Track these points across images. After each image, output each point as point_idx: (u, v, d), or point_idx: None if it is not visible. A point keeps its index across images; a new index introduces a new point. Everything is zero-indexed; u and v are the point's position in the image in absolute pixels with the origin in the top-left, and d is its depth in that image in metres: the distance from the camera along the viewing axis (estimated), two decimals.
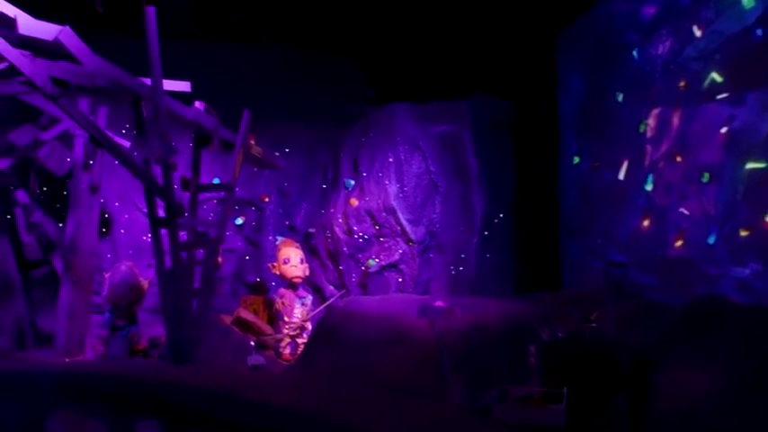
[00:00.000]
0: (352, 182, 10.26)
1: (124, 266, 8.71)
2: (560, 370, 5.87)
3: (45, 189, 9.95)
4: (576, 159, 9.13)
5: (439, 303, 7.40)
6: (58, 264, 9.36)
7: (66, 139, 9.38)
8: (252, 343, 8.23)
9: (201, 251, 8.52)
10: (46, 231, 9.99)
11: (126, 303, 8.57)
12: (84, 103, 9.07)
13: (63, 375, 7.41)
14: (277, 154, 10.19)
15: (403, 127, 10.03)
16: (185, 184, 8.19)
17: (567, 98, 9.62)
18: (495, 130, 10.23)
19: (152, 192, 7.88)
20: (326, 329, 7.49)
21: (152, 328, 8.96)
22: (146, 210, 8.33)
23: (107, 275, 8.71)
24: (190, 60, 9.78)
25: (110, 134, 9.09)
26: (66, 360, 8.13)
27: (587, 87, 9.05)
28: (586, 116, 9.01)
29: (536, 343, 6.50)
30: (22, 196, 9.67)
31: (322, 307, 9.33)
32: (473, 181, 9.97)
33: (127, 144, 8.71)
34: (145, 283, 8.79)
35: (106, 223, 10.21)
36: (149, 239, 8.47)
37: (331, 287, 10.21)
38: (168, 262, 8.01)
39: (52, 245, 9.72)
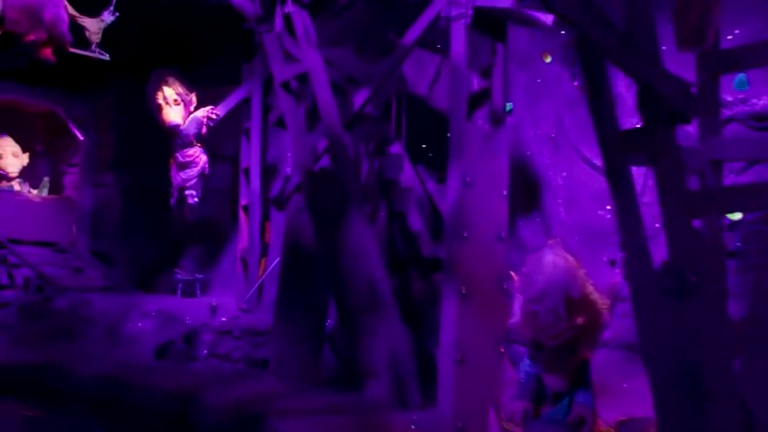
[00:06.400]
0: None
1: (551, 256, 4.03)
2: None
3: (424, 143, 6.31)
4: None
5: None
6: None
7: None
8: None
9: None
10: (439, 209, 6.30)
11: (555, 336, 3.91)
12: None
13: None
14: None
15: None
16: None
17: None
18: None
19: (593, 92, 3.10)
20: None
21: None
22: (600, 161, 3.65)
23: (516, 276, 4.23)
24: None
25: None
26: None
27: None
28: None
29: None
30: (396, 150, 6.10)
31: None
32: None
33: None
34: (599, 297, 4.02)
35: (530, 189, 5.95)
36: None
37: None
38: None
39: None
